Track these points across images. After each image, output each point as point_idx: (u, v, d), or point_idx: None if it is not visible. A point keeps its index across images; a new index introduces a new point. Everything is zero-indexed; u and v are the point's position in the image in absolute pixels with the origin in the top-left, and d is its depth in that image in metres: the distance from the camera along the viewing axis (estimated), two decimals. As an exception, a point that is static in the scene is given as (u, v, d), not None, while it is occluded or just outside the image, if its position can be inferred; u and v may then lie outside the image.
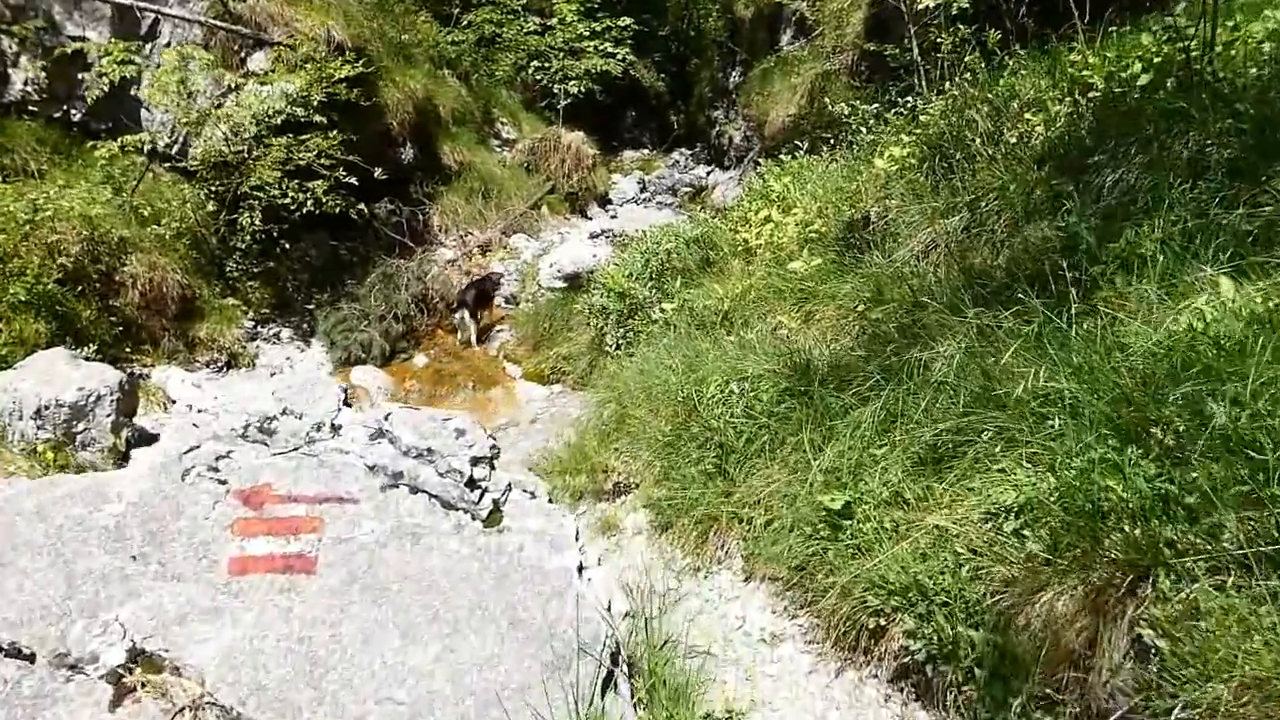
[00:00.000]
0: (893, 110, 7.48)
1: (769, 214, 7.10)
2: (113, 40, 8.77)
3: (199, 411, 4.70)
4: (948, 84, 6.74)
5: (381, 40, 11.31)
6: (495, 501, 4.42)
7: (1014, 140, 5.83)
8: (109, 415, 6.69)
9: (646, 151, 18.34)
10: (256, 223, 8.82)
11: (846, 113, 7.52)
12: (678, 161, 17.40)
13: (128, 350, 8.01)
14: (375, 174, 9.31)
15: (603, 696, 3.21)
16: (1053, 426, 3.21)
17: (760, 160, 11.03)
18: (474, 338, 9.63)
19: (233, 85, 9.17)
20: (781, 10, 14.86)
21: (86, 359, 7.08)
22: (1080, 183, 4.96)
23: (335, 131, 9.00)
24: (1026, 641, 2.77)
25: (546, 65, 15.19)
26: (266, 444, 4.52)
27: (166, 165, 9.36)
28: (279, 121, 8.89)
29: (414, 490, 4.31)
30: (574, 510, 5.10)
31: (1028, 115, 5.94)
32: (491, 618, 3.47)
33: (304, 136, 8.94)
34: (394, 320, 9.29)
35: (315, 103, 8.92)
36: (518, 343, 9.39)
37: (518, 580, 3.67)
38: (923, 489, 3.48)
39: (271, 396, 4.98)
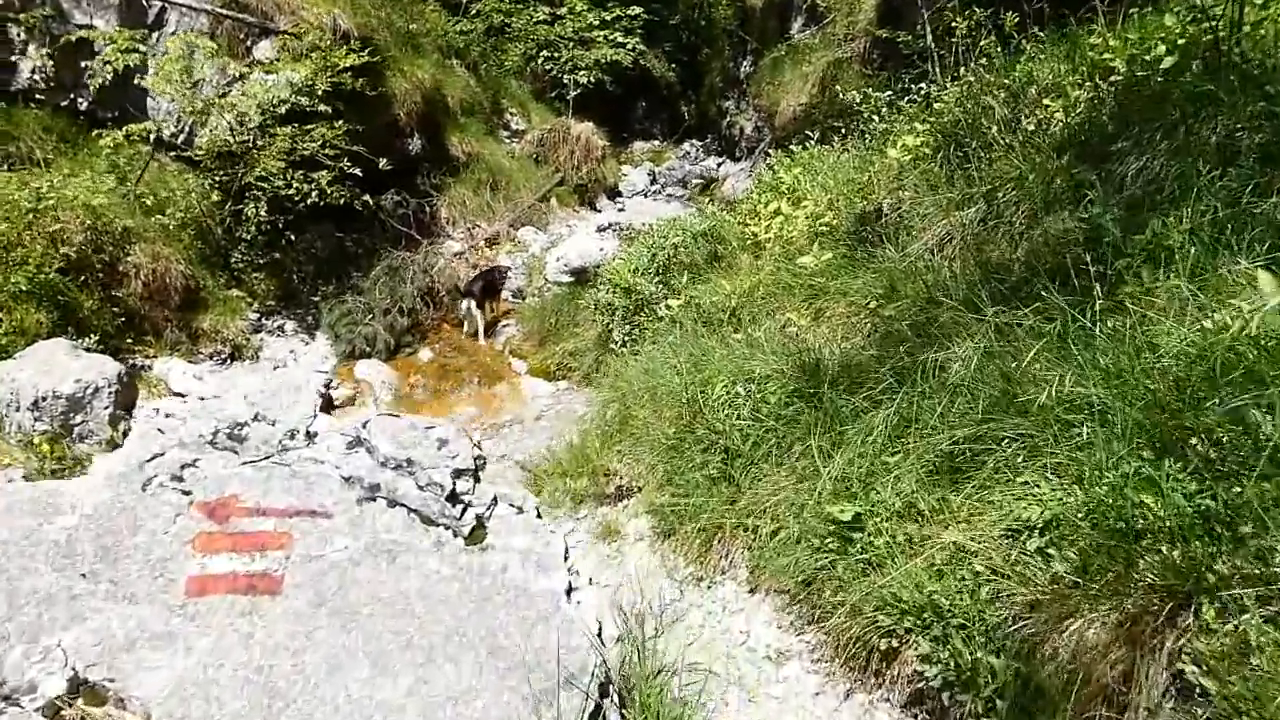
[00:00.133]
0: (906, 98, 7.17)
1: (778, 207, 6.82)
2: (119, 29, 8.57)
3: (166, 416, 4.38)
4: (963, 70, 6.43)
5: (389, 29, 11.04)
6: (479, 517, 4.09)
7: (1032, 128, 5.53)
8: (107, 408, 6.50)
9: (657, 142, 18.01)
10: (262, 213, 8.60)
11: (858, 101, 7.20)
12: (688, 152, 17.07)
13: (130, 341, 7.82)
14: (380, 165, 9.05)
15: (589, 732, 2.92)
16: (1079, 435, 2.95)
17: (771, 151, 10.72)
18: (481, 330, 9.40)
19: (238, 74, 8.94)
20: (792, -3, 14.52)
21: (88, 350, 6.90)
22: (1102, 171, 4.68)
23: (341, 122, 8.76)
24: (1054, 673, 2.51)
25: (556, 55, 14.89)
26: (236, 452, 4.17)
27: (172, 154, 9.14)
28: (284, 111, 8.67)
29: (392, 504, 3.98)
30: (575, 514, 4.86)
31: (1046, 101, 5.63)
32: (470, 645, 3.18)
33: (309, 126, 8.71)
34: (399, 314, 9.06)
35: (320, 92, 8.69)
36: (524, 338, 9.14)
37: (500, 604, 3.40)
38: (938, 500, 3.21)
39: (244, 400, 4.65)
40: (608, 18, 15.24)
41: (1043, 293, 3.83)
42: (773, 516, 3.83)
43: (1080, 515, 2.64)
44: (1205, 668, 2.17)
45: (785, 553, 3.58)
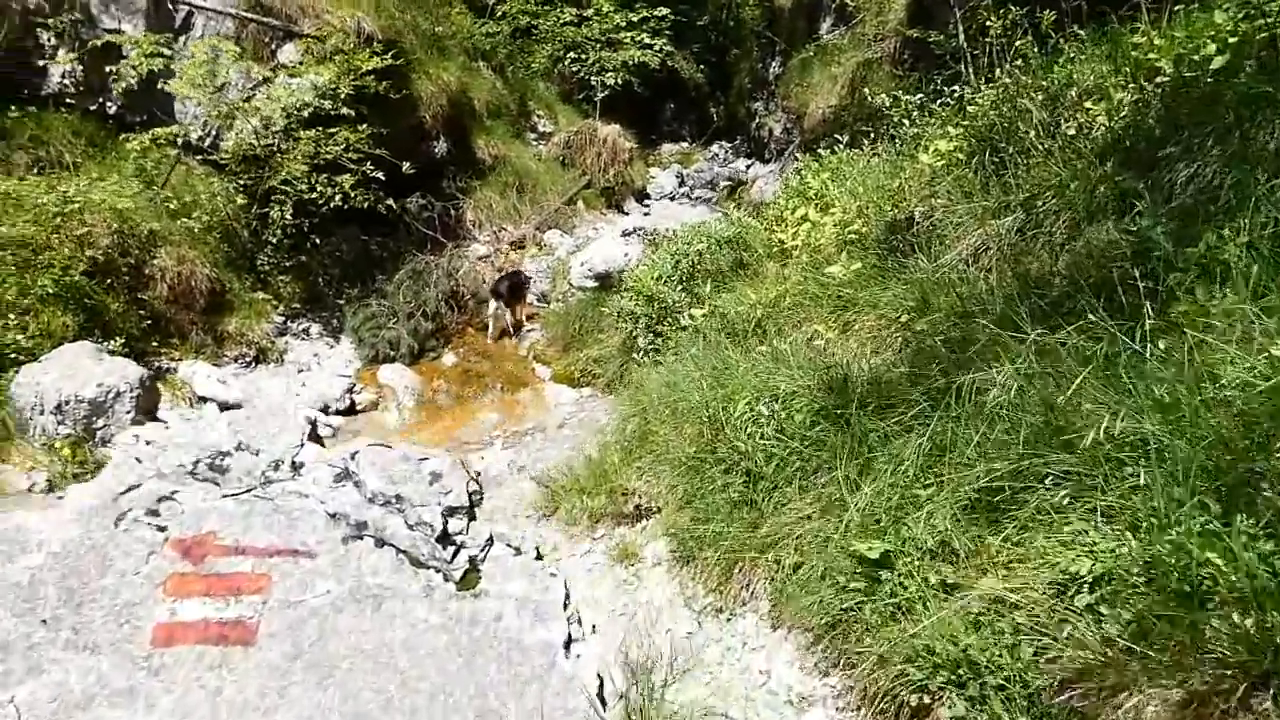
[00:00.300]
0: (938, 101, 6.81)
1: (806, 213, 6.51)
2: (147, 33, 8.47)
3: (147, 443, 4.12)
4: (997, 71, 6.07)
5: (414, 32, 10.85)
6: (472, 559, 3.75)
7: (1073, 132, 5.17)
8: (128, 412, 6.38)
9: (685, 144, 17.70)
10: (287, 217, 8.46)
11: (888, 105, 6.86)
12: (717, 154, 16.75)
13: (155, 344, 7.71)
14: (404, 168, 8.87)
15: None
16: (1133, 474, 2.64)
17: (799, 155, 10.39)
18: (510, 328, 9.29)
19: (262, 78, 8.80)
20: (821, -3, 14.13)
21: (113, 352, 6.80)
22: (1149, 179, 4.34)
23: (365, 125, 8.59)
24: (1106, 752, 2.23)
25: (583, 57, 14.64)
26: (218, 483, 3.90)
27: (199, 158, 9.03)
28: (307, 115, 8.52)
29: (380, 544, 3.65)
30: (592, 534, 4.62)
31: (1088, 104, 5.27)
32: (457, 708, 2.87)
33: (332, 130, 8.55)
34: (423, 318, 8.88)
35: (343, 95, 8.52)
36: (548, 343, 8.93)
37: (492, 658, 3.09)
38: (974, 540, 2.92)
39: (228, 428, 4.40)
40: (635, 19, 14.97)
41: (1087, 310, 3.52)
42: (796, 548, 3.55)
43: (1136, 571, 2.34)
44: (1286, 760, 1.88)
45: (809, 590, 3.30)
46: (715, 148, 17.08)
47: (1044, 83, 5.61)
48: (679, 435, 4.65)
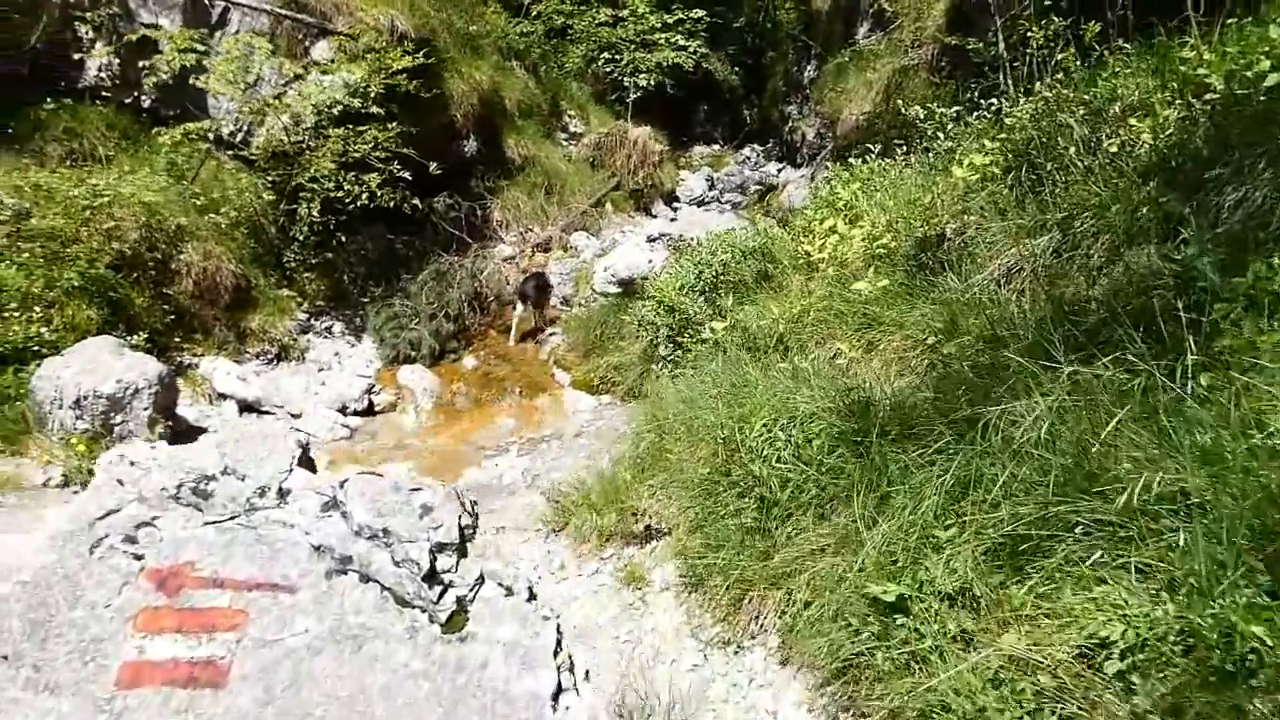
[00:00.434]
0: (974, 112, 6.56)
1: (834, 225, 6.30)
2: (183, 28, 8.47)
3: (131, 463, 3.97)
4: (1037, 83, 5.81)
5: (448, 31, 10.78)
6: (460, 599, 3.49)
7: (1115, 149, 4.89)
8: (145, 409, 6.35)
9: (717, 147, 17.51)
10: (314, 214, 8.43)
11: (921, 117, 6.62)
12: (749, 158, 16.53)
13: (178, 339, 7.70)
14: (431, 169, 8.79)
15: None
16: (1170, 527, 2.44)
17: (830, 163, 10.16)
18: (535, 326, 9.27)
19: (295, 75, 8.76)
20: (858, 2, 13.83)
21: (135, 347, 6.78)
22: (1195, 202, 4.08)
23: (394, 123, 8.52)
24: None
25: (617, 57, 14.50)
26: (200, 509, 3.71)
27: (230, 153, 9.02)
28: (337, 112, 8.47)
29: (365, 579, 3.43)
30: (601, 553, 4.47)
31: (1132, 121, 4.99)
32: None
33: (361, 128, 8.49)
34: (445, 319, 8.80)
35: (374, 94, 8.45)
36: (569, 348, 8.79)
37: (474, 708, 2.89)
38: (996, 589, 2.72)
39: (215, 450, 4.27)
40: (670, 20, 14.80)
41: (1124, 341, 3.30)
42: (808, 583, 3.37)
43: (1173, 639, 2.14)
44: None
45: (820, 630, 3.13)
46: (747, 150, 16.87)
47: (1086, 97, 5.35)
48: (693, 455, 4.48)
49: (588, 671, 3.40)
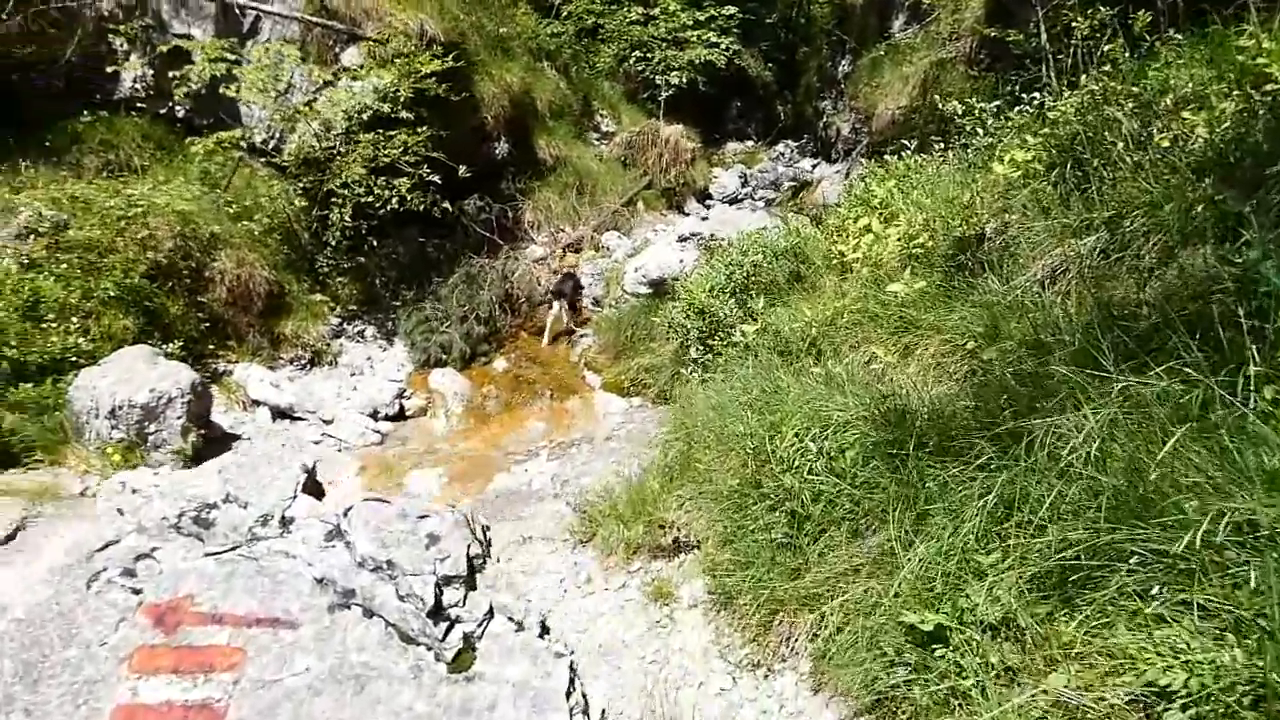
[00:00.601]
0: (1015, 107, 6.28)
1: (869, 224, 6.07)
2: (214, 38, 8.49)
3: (133, 491, 3.85)
4: (1082, 76, 5.52)
5: (479, 33, 10.70)
6: (467, 636, 3.29)
7: (1167, 144, 4.60)
8: (179, 418, 6.35)
9: (751, 143, 17.24)
10: (346, 219, 8.40)
11: (960, 113, 6.35)
12: (782, 154, 16.25)
13: (212, 346, 7.73)
14: (460, 172, 8.72)
15: None
16: (1237, 561, 2.23)
17: (864, 159, 9.90)
18: (570, 325, 9.22)
19: (324, 81, 8.74)
20: (895, -7, 13.51)
21: (169, 355, 6.80)
22: (1255, 200, 3.80)
23: (424, 127, 8.46)
24: None
25: (649, 56, 14.34)
26: (201, 539, 3.58)
27: (262, 161, 9.04)
28: (366, 118, 8.43)
29: (369, 614, 3.26)
30: (628, 567, 4.33)
31: (1185, 114, 4.70)
32: None
33: (391, 133, 8.44)
34: (475, 321, 8.72)
35: (403, 98, 8.39)
36: (599, 350, 8.66)
37: None
38: (1043, 621, 2.52)
39: (218, 476, 4.15)
40: (702, 17, 14.62)
41: (1179, 349, 3.07)
42: (842, 606, 3.20)
43: (1241, 689, 1.94)
44: None
45: (854, 659, 2.95)
46: (781, 147, 16.60)
47: (1135, 89, 5.05)
48: (722, 465, 4.32)
49: (604, 712, 3.22)
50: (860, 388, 4.29)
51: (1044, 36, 6.61)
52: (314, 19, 8.97)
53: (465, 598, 3.38)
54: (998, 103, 6.36)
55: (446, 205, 8.70)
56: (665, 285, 8.41)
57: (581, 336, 9.12)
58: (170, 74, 8.07)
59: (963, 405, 3.82)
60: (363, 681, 2.86)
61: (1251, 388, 2.75)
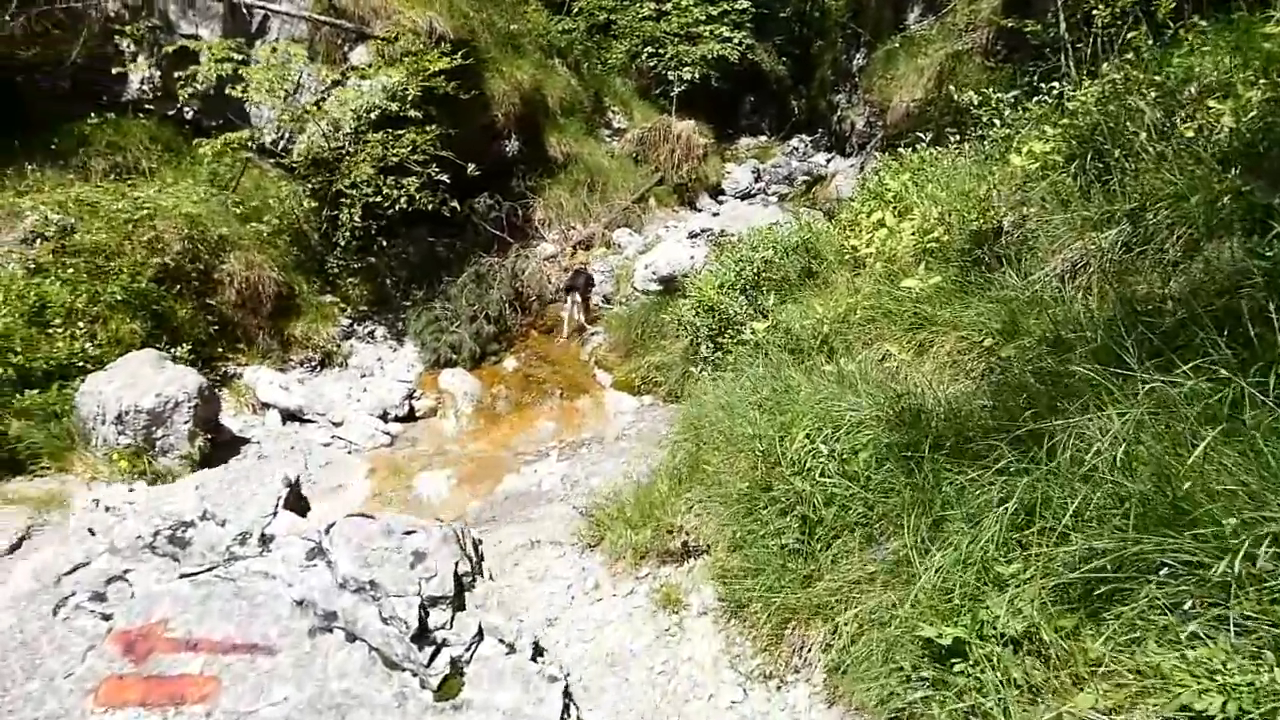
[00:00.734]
0: (1033, 97, 6.11)
1: (882, 218, 5.92)
2: (221, 39, 8.44)
3: (106, 509, 3.71)
4: (1103, 65, 5.35)
5: (489, 30, 10.61)
6: (455, 660, 3.09)
7: (1191, 134, 4.44)
8: (186, 422, 6.31)
9: (764, 138, 17.09)
10: (356, 219, 8.34)
11: (976, 104, 6.19)
12: (796, 149, 16.07)
13: (221, 349, 7.68)
14: (469, 171, 8.65)
15: None
16: (1275, 573, 2.09)
17: (879, 152, 9.73)
18: (584, 321, 9.14)
19: (333, 80, 8.68)
20: (909, -14, 13.31)
21: (178, 359, 6.76)
22: (1285, 191, 3.66)
23: (433, 126, 8.39)
24: None
25: (661, 51, 14.22)
26: (177, 559, 3.41)
27: (271, 162, 9.01)
28: (375, 117, 8.36)
29: (351, 638, 3.07)
30: (636, 572, 4.22)
31: (1210, 103, 4.52)
32: None
33: (399, 132, 8.37)
34: (485, 320, 8.65)
35: (412, 97, 8.32)
36: (610, 348, 8.56)
37: None
38: (1068, 636, 2.40)
39: (195, 493, 4.01)
40: (714, 12, 14.47)
41: (1206, 346, 2.93)
42: (856, 616, 3.08)
43: (1281, 714, 1.81)
44: None
45: (869, 673, 2.83)
46: (794, 141, 16.43)
47: (1158, 78, 4.88)
48: (732, 467, 4.21)
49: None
50: (873, 387, 4.15)
51: (1063, 26, 6.43)
52: (322, 18, 8.91)
53: (453, 619, 3.21)
54: (1015, 93, 6.19)
55: (456, 204, 8.62)
56: (676, 282, 8.29)
57: (592, 334, 9.02)
58: (177, 75, 8.02)
59: (980, 405, 3.69)
60: (343, 711, 2.70)
61: (1284, 385, 2.61)
